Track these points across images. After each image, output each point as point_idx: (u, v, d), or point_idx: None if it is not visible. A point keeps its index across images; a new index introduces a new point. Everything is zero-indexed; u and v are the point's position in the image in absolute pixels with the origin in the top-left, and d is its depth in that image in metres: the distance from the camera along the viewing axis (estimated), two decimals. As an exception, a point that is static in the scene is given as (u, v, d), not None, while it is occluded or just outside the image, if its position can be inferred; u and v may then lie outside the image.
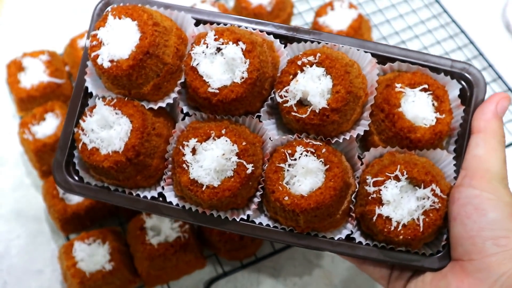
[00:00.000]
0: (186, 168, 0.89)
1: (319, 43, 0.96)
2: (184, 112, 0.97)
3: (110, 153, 0.90)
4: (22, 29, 1.71)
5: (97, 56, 0.89)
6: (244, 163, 0.87)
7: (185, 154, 0.89)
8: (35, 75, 1.45)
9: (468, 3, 1.78)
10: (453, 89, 0.96)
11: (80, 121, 0.92)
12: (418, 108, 0.92)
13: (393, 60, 0.97)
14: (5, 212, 1.41)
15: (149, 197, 0.96)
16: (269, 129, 0.94)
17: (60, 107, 1.40)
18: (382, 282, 0.98)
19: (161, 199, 0.96)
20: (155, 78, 0.91)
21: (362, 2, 1.75)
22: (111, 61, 0.88)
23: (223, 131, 0.89)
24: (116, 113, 0.91)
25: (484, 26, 1.73)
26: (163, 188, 0.96)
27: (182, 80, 0.94)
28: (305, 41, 0.96)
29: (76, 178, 0.97)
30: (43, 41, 1.63)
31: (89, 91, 0.95)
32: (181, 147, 0.90)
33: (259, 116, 0.95)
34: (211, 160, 0.87)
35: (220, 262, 1.33)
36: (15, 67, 1.47)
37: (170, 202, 0.95)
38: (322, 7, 1.60)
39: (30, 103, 1.45)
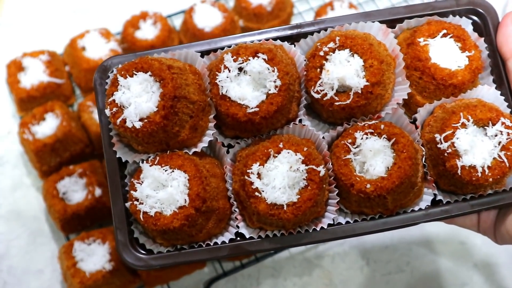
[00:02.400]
0: (260, 195, 0.85)
1: (326, 30, 0.95)
2: (226, 145, 0.94)
3: (177, 211, 0.85)
4: (22, 29, 1.71)
5: (124, 120, 0.85)
6: (314, 167, 0.85)
7: (253, 182, 0.85)
8: (35, 75, 1.45)
9: (468, 3, 1.78)
10: (466, 26, 0.96)
11: (132, 192, 0.87)
12: (447, 54, 0.93)
13: (401, 20, 0.97)
14: (5, 212, 1.41)
15: (227, 242, 0.91)
16: (315, 130, 0.93)
17: (60, 107, 1.40)
18: (473, 228, 0.99)
19: (238, 238, 0.92)
20: (189, 120, 0.88)
21: (362, 2, 1.75)
22: (141, 119, 0.85)
23: (280, 145, 0.86)
24: (165, 170, 0.86)
25: (484, 26, 1.72)
26: (238, 226, 0.91)
27: (214, 114, 0.91)
28: (312, 33, 0.96)
29: (144, 252, 0.91)
30: (43, 41, 1.63)
31: (123, 160, 0.91)
32: (246, 177, 0.86)
33: (300, 121, 0.94)
34: (281, 177, 0.85)
35: (220, 262, 1.33)
36: (15, 67, 1.47)
37: (251, 237, 0.90)
38: (322, 7, 1.60)
39: (30, 103, 1.45)
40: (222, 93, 0.88)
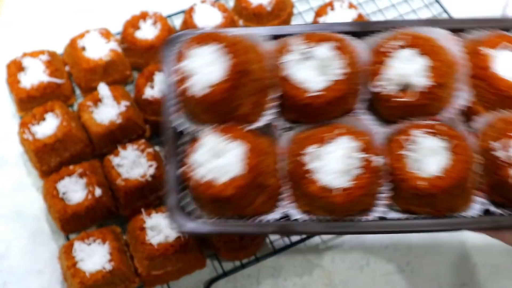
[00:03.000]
0: (312, 177, 0.86)
1: (390, 31, 0.97)
2: (282, 127, 0.95)
3: (230, 180, 0.85)
4: (22, 29, 1.71)
5: (188, 88, 0.87)
6: (371, 156, 0.86)
7: (307, 164, 0.86)
8: (35, 75, 1.45)
9: (468, 3, 1.78)
10: None
11: (187, 159, 0.89)
12: (511, 66, 0.93)
13: (465, 30, 0.99)
14: (5, 212, 1.41)
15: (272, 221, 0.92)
16: (372, 124, 0.94)
17: (60, 107, 1.40)
18: None
19: (285, 219, 0.92)
20: (252, 96, 0.89)
21: (362, 2, 1.75)
22: (206, 88, 0.86)
23: (339, 131, 0.88)
24: (224, 140, 0.88)
25: (484, 26, 1.73)
26: (286, 207, 0.92)
27: (276, 95, 0.92)
28: (375, 32, 0.97)
29: (192, 219, 0.93)
30: (43, 41, 1.63)
31: (180, 129, 0.93)
32: (300, 158, 0.87)
33: (357, 115, 0.96)
34: (337, 162, 0.85)
35: (220, 262, 1.33)
36: (15, 67, 1.47)
37: (297, 220, 0.91)
38: (322, 7, 1.60)
39: (30, 103, 1.45)
40: (285, 74, 0.89)
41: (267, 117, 0.92)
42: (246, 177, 0.86)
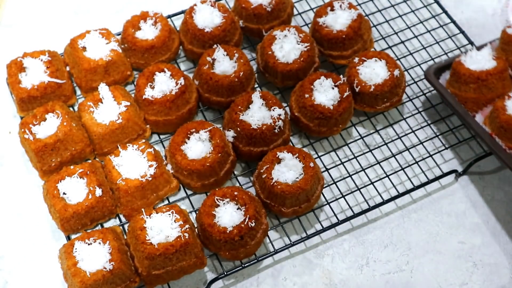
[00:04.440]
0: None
1: None
2: None
3: (482, 69, 1.41)
4: (23, 30, 1.71)
5: None
6: None
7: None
8: (35, 75, 1.45)
9: (468, 3, 1.78)
10: None
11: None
12: None
13: None
14: (5, 212, 1.42)
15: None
16: None
17: (61, 107, 1.40)
18: None
19: None
20: None
21: (362, 2, 1.75)
22: None
23: None
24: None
25: (483, 26, 1.73)
26: (481, 117, 1.40)
27: None
28: None
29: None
30: (43, 41, 1.63)
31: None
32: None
33: None
34: None
35: (220, 262, 1.33)
36: (16, 67, 1.47)
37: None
38: (322, 7, 1.60)
39: (31, 103, 1.45)
40: None
41: None
42: (482, 72, 1.37)
